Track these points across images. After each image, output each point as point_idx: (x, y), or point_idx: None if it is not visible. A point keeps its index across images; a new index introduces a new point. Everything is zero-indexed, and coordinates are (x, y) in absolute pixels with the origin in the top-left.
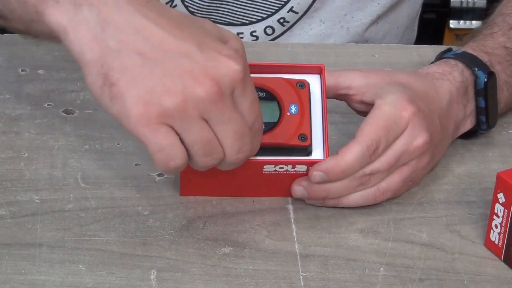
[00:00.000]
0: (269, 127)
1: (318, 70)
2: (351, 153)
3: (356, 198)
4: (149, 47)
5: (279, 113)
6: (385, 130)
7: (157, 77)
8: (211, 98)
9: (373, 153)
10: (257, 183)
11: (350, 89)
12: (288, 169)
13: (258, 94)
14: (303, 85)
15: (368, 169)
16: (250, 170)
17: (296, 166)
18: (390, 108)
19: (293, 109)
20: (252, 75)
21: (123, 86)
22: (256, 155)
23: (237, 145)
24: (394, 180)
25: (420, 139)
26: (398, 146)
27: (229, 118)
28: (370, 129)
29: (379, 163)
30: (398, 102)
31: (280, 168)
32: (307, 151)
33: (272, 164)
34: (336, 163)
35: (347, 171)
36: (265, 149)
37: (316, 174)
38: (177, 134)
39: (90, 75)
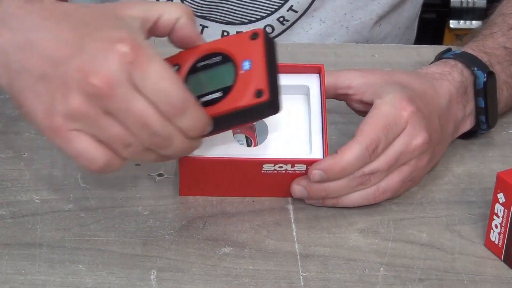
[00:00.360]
0: (226, 92)
1: (317, 70)
2: (351, 152)
3: (355, 197)
4: (43, 60)
5: (234, 74)
6: (384, 130)
7: (54, 88)
8: (104, 92)
9: (373, 153)
10: (256, 183)
11: (349, 89)
12: (288, 169)
13: (213, 60)
14: (256, 35)
15: (368, 168)
16: (249, 169)
17: (296, 165)
18: (389, 108)
19: (246, 65)
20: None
21: (29, 104)
22: (218, 128)
23: (144, 133)
24: (393, 179)
25: (419, 139)
26: (397, 146)
27: (127, 107)
28: (370, 128)
29: (379, 163)
30: (397, 101)
31: (279, 167)
32: (274, 107)
33: (271, 164)
34: (335, 162)
35: (346, 170)
36: (229, 118)
37: (315, 173)
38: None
39: (11, 100)
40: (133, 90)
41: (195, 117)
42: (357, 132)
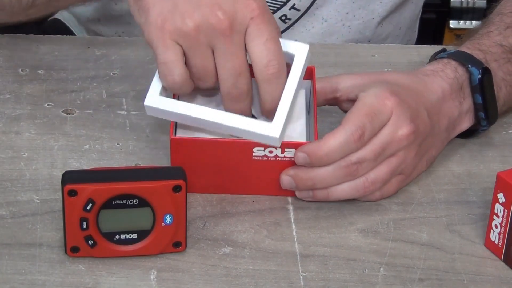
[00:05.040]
0: (142, 236)
1: (308, 72)
2: (334, 138)
3: (345, 188)
4: None
5: (152, 221)
6: (369, 117)
7: (180, 1)
8: (220, 30)
9: (359, 140)
10: (249, 174)
11: (337, 92)
12: (278, 154)
13: (130, 202)
14: (179, 188)
15: (355, 157)
16: (240, 152)
17: (286, 150)
18: (372, 98)
19: (167, 219)
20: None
21: (149, 2)
22: None
23: (231, 80)
24: (382, 170)
25: (405, 129)
26: (383, 136)
27: (232, 52)
28: (354, 116)
29: (365, 151)
30: (380, 93)
31: (269, 152)
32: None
33: (261, 147)
34: (319, 146)
35: (330, 155)
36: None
37: (299, 155)
38: (184, 54)
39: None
40: (243, 42)
41: (277, 85)
42: (342, 121)
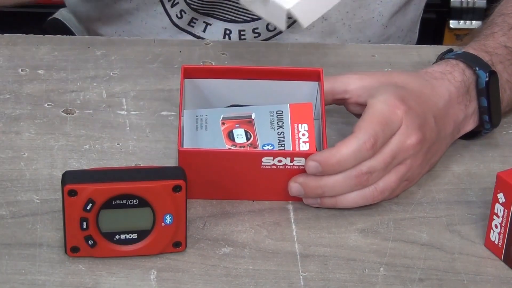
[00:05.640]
0: (142, 236)
1: (316, 74)
2: (347, 146)
3: (354, 197)
4: None
5: (152, 221)
6: (381, 126)
7: None
8: None
9: (371, 148)
10: (256, 182)
11: (346, 93)
12: (287, 163)
13: (130, 202)
14: (179, 188)
15: (365, 166)
16: (249, 162)
17: (295, 159)
18: (383, 106)
19: (167, 219)
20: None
21: None
22: None
23: None
24: (391, 179)
25: (413, 138)
26: (393, 144)
27: None
28: (367, 124)
29: (376, 161)
30: (389, 100)
31: (278, 161)
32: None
33: (271, 156)
34: (330, 154)
35: (342, 163)
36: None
37: (310, 164)
38: None
39: None
40: None
41: None
42: (354, 129)
